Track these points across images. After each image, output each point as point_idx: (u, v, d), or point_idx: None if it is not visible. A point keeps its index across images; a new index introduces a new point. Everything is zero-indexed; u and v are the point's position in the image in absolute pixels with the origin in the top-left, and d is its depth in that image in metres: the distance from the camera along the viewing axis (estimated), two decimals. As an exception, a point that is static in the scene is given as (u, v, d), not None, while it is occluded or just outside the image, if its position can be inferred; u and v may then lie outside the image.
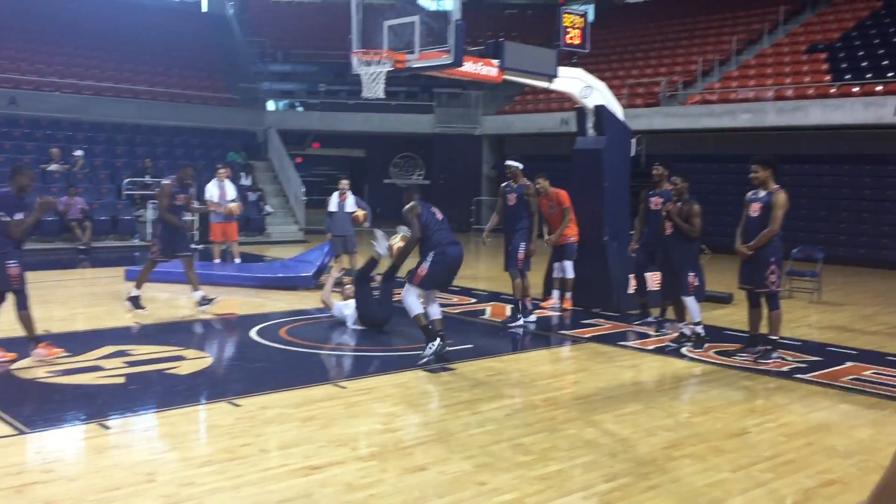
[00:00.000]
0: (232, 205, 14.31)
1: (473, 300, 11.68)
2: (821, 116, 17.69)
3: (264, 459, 5.00)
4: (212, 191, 14.45)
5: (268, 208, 21.18)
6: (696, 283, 8.67)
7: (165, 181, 10.18)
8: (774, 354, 7.97)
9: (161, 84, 23.98)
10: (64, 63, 23.03)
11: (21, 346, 7.43)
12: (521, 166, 9.91)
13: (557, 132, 21.92)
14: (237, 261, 14.74)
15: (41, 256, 16.14)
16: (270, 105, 26.74)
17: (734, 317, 10.52)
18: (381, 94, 9.09)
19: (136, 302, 9.96)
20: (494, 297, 11.95)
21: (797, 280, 12.70)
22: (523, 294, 9.77)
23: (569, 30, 10.71)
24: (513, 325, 9.65)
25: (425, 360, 7.48)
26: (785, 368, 7.72)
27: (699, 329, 8.62)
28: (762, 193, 7.82)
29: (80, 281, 13.53)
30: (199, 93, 24.59)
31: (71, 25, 24.77)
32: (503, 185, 10.14)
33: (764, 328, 8.13)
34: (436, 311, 7.86)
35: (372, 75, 9.01)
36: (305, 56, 27.90)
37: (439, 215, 7.87)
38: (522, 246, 9.66)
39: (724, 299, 11.71)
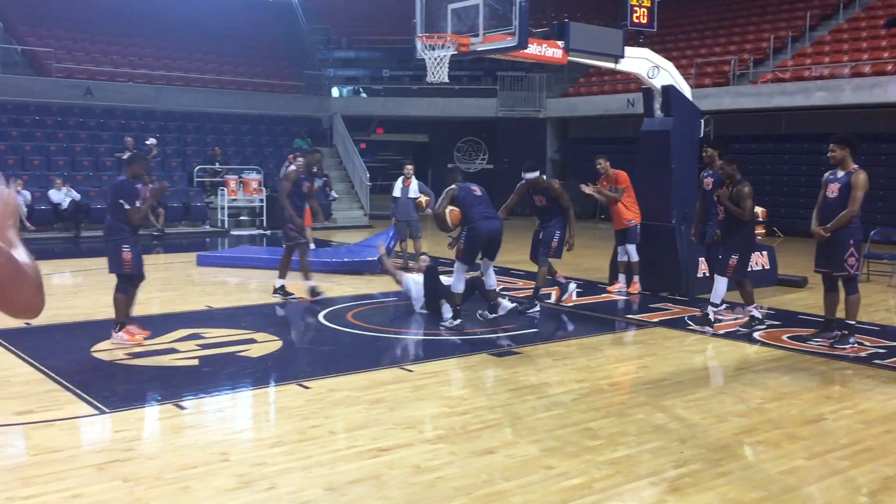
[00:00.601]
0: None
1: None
2: (900, 93, 17.03)
3: (333, 441, 5.08)
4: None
5: (333, 194, 21.40)
6: (736, 266, 8.41)
7: (292, 167, 10.00)
8: (851, 339, 7.73)
9: (229, 73, 24.42)
10: (136, 54, 23.63)
11: (154, 324, 7.77)
12: (540, 174, 9.41)
13: (623, 114, 21.62)
14: (311, 246, 14.86)
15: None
16: (335, 91, 26.97)
17: (808, 301, 10.24)
18: (446, 79, 9.08)
19: (283, 291, 9.90)
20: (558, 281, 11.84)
21: (875, 263, 12.29)
22: (542, 284, 9.56)
23: (635, 8, 10.51)
24: (531, 310, 9.30)
25: (445, 327, 8.30)
26: (863, 354, 7.48)
27: (710, 311, 8.52)
28: (840, 174, 7.57)
29: (154, 266, 13.90)
30: (265, 80, 24.96)
31: (143, 18, 25.37)
32: (526, 188, 9.55)
33: (840, 312, 7.89)
34: (492, 282, 8.81)
35: (436, 59, 9.00)
36: (369, 42, 28.04)
37: (478, 192, 8.62)
38: (557, 235, 9.42)
39: (798, 283, 11.41)
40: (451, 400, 6.01)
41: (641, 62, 10.70)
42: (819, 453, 4.97)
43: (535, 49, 9.49)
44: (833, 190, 7.59)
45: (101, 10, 24.80)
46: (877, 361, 7.26)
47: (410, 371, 6.80)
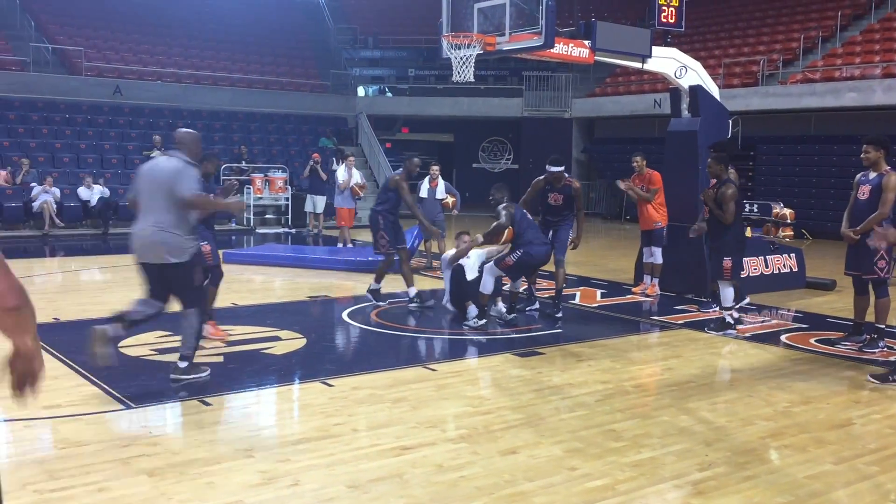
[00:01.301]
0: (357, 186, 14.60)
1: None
2: (933, 94, 16.78)
3: (356, 439, 5.09)
4: (343, 176, 14.69)
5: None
6: (731, 268, 8.35)
7: (396, 174, 9.68)
8: (881, 344, 7.62)
9: (255, 72, 24.58)
10: (164, 53, 23.85)
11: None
12: (563, 170, 9.27)
13: (650, 114, 21.48)
14: (349, 245, 14.95)
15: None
16: (360, 91, 27.06)
17: (837, 304, 10.11)
18: (471, 78, 9.07)
19: (376, 295, 9.71)
20: (584, 281, 11.81)
21: (906, 266, 12.09)
22: (563, 284, 9.36)
23: (663, 8, 10.44)
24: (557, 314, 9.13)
25: (470, 327, 8.31)
26: (892, 358, 7.37)
27: (727, 315, 8.47)
28: (872, 175, 7.46)
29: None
30: (291, 80, 25.11)
31: (171, 17, 25.61)
32: (544, 184, 9.36)
33: (870, 316, 7.78)
34: (516, 285, 8.84)
35: (462, 59, 8.99)
36: (394, 41, 28.11)
37: (529, 216, 8.72)
38: (570, 235, 9.38)
39: (827, 286, 11.28)
40: (474, 399, 6.00)
41: (669, 62, 10.62)
42: (847, 458, 4.90)
43: (562, 49, 9.45)
44: (864, 192, 7.48)
45: (131, 10, 25.06)
46: (907, 366, 7.14)
47: (434, 370, 6.80)
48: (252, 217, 19.44)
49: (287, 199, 19.58)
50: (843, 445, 5.12)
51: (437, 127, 28.70)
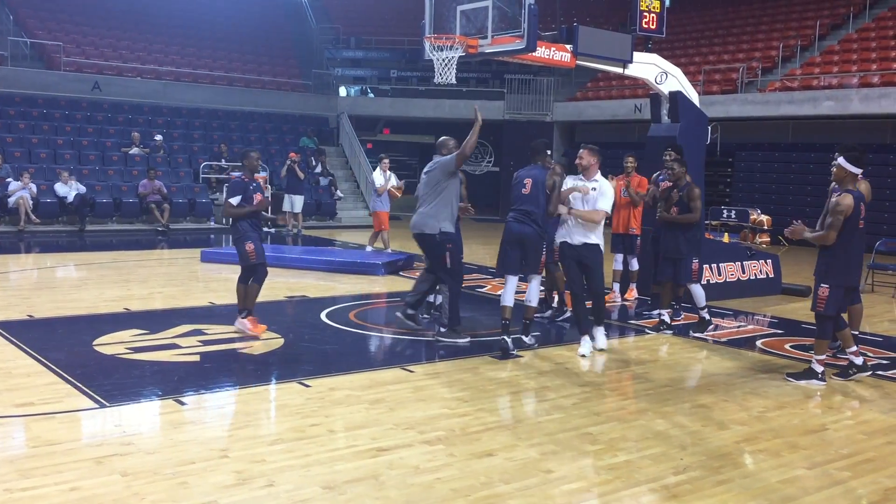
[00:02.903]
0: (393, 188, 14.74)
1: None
2: (908, 104, 16.98)
3: (333, 440, 5.07)
4: (379, 179, 14.59)
5: (338, 193, 21.41)
6: (698, 269, 8.83)
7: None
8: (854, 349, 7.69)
9: (237, 70, 24.44)
10: (145, 49, 23.66)
11: (156, 320, 7.69)
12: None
13: (630, 119, 21.59)
14: (389, 249, 14.58)
15: (122, 237, 16.69)
16: (342, 91, 26.98)
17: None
18: (453, 80, 9.07)
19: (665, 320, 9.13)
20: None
21: (880, 274, 12.25)
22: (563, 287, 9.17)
23: (645, 14, 10.49)
24: (561, 318, 9.21)
25: (528, 345, 7.78)
26: (858, 360, 7.44)
27: (705, 313, 8.77)
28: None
29: (158, 261, 13.93)
30: (273, 78, 24.99)
31: (153, 13, 25.42)
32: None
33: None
34: (530, 298, 7.93)
35: (444, 61, 8.99)
36: (377, 42, 28.06)
37: (526, 190, 7.54)
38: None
39: (803, 292, 11.37)
40: (452, 401, 5.99)
41: (650, 67, 10.68)
42: (820, 463, 4.95)
43: (544, 52, 9.48)
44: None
45: (112, 6, 24.86)
46: (879, 373, 7.23)
47: (412, 371, 6.79)
48: (230, 216, 19.32)
49: (268, 197, 19.45)
50: (816, 450, 5.17)
51: (418, 128, 28.68)
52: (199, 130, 22.10)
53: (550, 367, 7.11)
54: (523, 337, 7.82)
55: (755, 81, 20.78)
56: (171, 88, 22.28)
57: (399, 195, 14.96)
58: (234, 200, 7.76)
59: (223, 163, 20.20)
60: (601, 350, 7.68)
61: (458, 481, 4.48)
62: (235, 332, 7.87)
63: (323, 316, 8.95)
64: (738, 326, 9.30)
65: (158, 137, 20.30)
